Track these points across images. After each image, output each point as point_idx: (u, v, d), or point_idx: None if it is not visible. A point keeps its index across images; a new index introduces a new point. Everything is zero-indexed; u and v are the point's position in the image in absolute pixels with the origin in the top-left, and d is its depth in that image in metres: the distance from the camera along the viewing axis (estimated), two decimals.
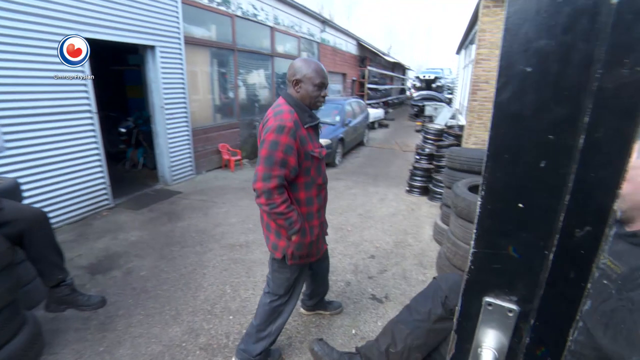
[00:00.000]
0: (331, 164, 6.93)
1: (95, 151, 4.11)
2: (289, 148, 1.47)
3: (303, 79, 1.58)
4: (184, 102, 5.40)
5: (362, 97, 13.42)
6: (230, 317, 2.35)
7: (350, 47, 13.95)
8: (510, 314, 0.44)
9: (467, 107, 5.05)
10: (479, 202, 0.43)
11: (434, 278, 1.48)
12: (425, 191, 5.22)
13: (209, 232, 3.69)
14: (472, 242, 0.44)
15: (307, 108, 1.62)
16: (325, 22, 10.98)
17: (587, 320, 0.99)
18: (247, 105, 7.62)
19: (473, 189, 2.78)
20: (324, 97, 1.65)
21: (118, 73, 6.96)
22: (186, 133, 5.56)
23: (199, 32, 5.88)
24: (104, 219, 4.04)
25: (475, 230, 0.44)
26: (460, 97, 10.78)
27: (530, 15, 0.36)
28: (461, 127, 6.11)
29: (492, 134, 0.40)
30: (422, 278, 2.86)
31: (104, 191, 4.28)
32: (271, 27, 7.95)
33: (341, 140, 7.28)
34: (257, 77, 7.85)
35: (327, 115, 7.68)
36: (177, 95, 5.27)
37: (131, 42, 4.44)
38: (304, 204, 1.64)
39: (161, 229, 3.79)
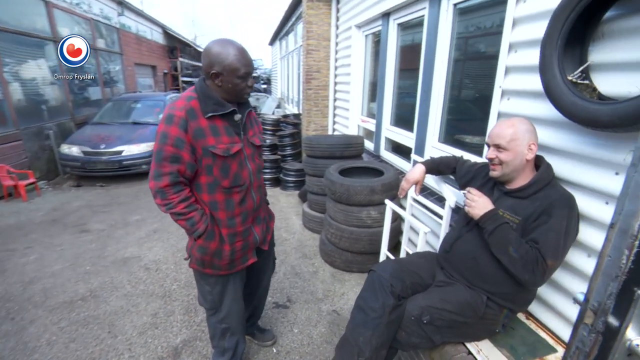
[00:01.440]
0: None
1: None
2: (179, 141, 1.27)
3: (224, 72, 1.29)
4: None
5: (177, 91, 12.19)
6: None
7: (157, 36, 12.32)
8: None
9: (304, 96, 5.37)
10: None
11: (371, 270, 1.51)
12: (277, 182, 5.33)
13: (19, 295, 2.54)
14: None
15: (214, 95, 1.33)
16: (122, 4, 9.21)
17: None
18: (29, 108, 5.59)
19: (343, 172, 3.01)
20: (250, 86, 1.38)
21: None
22: None
23: None
24: None
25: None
26: (282, 87, 11.40)
27: None
28: (296, 116, 6.50)
29: None
30: (312, 269, 2.92)
31: None
32: (46, 1, 6.00)
33: None
34: (39, 70, 5.83)
35: (147, 114, 6.63)
36: None
37: None
38: (209, 207, 1.42)
39: None
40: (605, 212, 1.29)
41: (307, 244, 3.38)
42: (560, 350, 1.41)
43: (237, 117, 1.40)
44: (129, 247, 3.29)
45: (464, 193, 1.42)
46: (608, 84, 1.24)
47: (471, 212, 1.34)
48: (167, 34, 13.15)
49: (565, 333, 1.47)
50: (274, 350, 2.02)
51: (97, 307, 2.41)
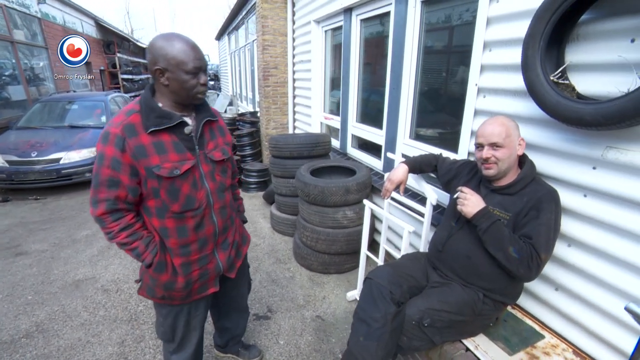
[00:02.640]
0: None
1: None
2: (116, 162, 1.12)
3: (169, 67, 1.13)
4: None
5: (118, 90, 11.20)
6: None
7: (89, 29, 11.13)
8: None
9: (261, 93, 5.18)
10: None
11: (367, 279, 1.46)
12: (238, 184, 5.11)
13: None
14: None
15: (157, 107, 1.16)
16: None
17: None
18: None
19: (313, 173, 2.93)
20: (204, 84, 1.20)
21: None
22: None
23: None
24: None
25: None
26: (234, 84, 10.97)
27: None
28: (253, 114, 6.28)
29: None
30: (289, 274, 2.82)
31: None
32: None
33: None
34: None
35: (86, 116, 6.02)
36: None
37: None
38: (160, 234, 1.26)
39: None
40: (583, 204, 1.37)
41: (279, 247, 3.27)
42: (548, 336, 1.49)
43: (188, 129, 1.21)
44: (80, 267, 2.93)
45: (457, 190, 1.42)
46: (585, 84, 1.30)
47: (464, 210, 1.35)
48: (101, 26, 11.95)
49: (549, 319, 1.55)
50: None
51: (48, 343, 2.10)
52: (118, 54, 12.51)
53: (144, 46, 18.01)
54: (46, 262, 3.04)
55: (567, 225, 1.42)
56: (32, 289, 2.64)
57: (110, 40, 12.35)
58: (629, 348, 1.27)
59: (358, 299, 1.45)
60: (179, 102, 1.21)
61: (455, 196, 1.43)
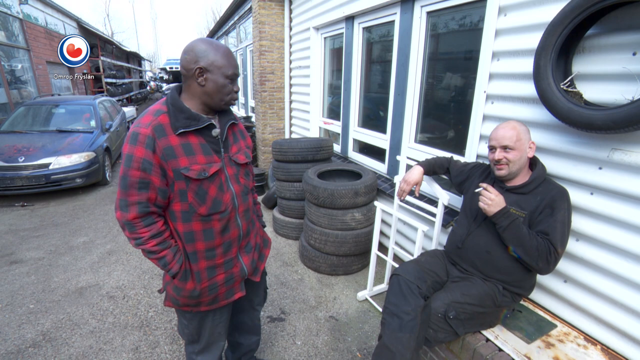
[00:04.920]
0: (101, 183, 5.42)
1: None
2: (147, 163, 1.11)
3: (210, 68, 1.14)
4: None
5: (101, 93, 10.95)
6: None
7: (71, 31, 10.84)
8: None
9: (258, 98, 5.21)
10: None
11: (393, 275, 1.53)
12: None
13: None
14: None
15: (186, 108, 1.16)
16: None
17: None
18: None
19: (319, 177, 2.99)
20: (236, 92, 1.23)
21: None
22: None
23: None
24: None
25: None
26: None
27: None
28: (247, 119, 6.28)
29: None
30: (297, 277, 2.86)
31: None
32: None
33: (107, 150, 5.76)
34: None
35: (74, 120, 5.89)
36: None
37: None
38: (184, 239, 1.24)
39: None
40: (590, 201, 1.49)
41: (284, 251, 3.30)
42: (559, 325, 1.59)
43: (216, 132, 1.21)
44: (81, 274, 2.86)
45: (479, 186, 1.50)
46: (591, 92, 1.43)
47: (487, 210, 1.44)
48: (84, 28, 11.66)
49: (559, 310, 1.67)
50: None
51: (58, 352, 2.05)
52: (102, 57, 12.22)
53: (128, 50, 17.68)
54: (44, 269, 2.95)
55: (575, 221, 1.54)
56: (33, 298, 2.57)
57: (93, 43, 12.06)
58: (635, 332, 1.39)
59: (386, 293, 1.52)
60: (208, 105, 1.21)
61: (477, 190, 1.51)
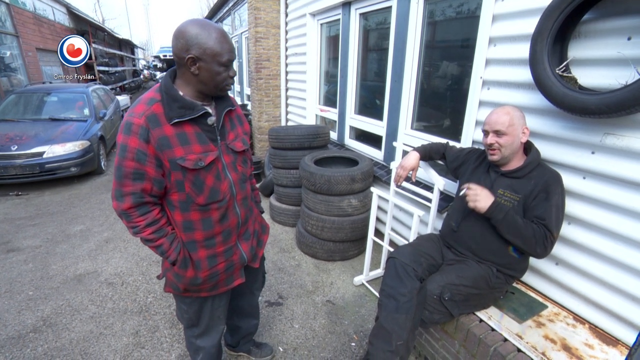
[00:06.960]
0: (97, 171, 5.39)
1: None
2: (141, 154, 1.08)
3: (203, 57, 1.07)
4: None
5: (94, 82, 10.76)
6: None
7: (61, 17, 10.59)
8: None
9: (253, 86, 5.17)
10: None
11: (390, 258, 1.56)
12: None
13: None
14: None
15: (180, 97, 1.11)
16: None
17: None
18: None
19: (316, 163, 3.00)
20: (232, 77, 1.17)
21: None
22: None
23: None
24: None
25: None
26: None
27: None
28: (242, 106, 6.23)
29: None
30: (294, 262, 2.90)
31: None
32: None
33: (101, 138, 5.72)
34: None
35: (67, 108, 5.83)
36: None
37: None
38: (182, 229, 1.24)
39: None
40: (583, 185, 1.52)
41: (281, 237, 3.33)
42: (550, 306, 1.64)
43: (211, 120, 1.18)
44: (79, 262, 2.88)
45: (463, 188, 1.52)
46: (586, 77, 1.45)
47: (477, 207, 1.44)
48: (74, 14, 11.39)
49: (550, 291, 1.71)
50: (281, 350, 1.98)
51: (59, 337, 2.08)
52: (93, 45, 11.96)
53: (120, 37, 17.32)
54: (42, 257, 2.96)
55: (568, 205, 1.57)
56: (32, 285, 2.58)
57: (84, 29, 11.81)
58: (623, 311, 1.43)
59: (383, 276, 1.55)
60: (204, 92, 1.17)
61: (461, 194, 1.53)
